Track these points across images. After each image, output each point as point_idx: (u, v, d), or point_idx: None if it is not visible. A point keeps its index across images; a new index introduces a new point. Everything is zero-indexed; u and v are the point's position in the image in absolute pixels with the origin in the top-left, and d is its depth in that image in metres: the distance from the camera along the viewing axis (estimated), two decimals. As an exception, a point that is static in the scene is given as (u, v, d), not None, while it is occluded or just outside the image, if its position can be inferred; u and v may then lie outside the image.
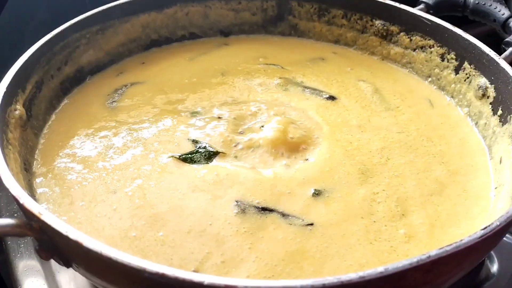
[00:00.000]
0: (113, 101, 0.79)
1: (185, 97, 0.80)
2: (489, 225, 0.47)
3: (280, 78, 0.86)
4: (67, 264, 0.51)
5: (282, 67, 0.89)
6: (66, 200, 0.62)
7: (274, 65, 0.90)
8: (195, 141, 0.70)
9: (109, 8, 0.87)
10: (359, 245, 0.56)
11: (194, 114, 0.76)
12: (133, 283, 0.46)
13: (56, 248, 0.50)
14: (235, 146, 0.70)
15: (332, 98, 0.81)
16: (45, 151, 0.70)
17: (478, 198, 0.67)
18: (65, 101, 0.81)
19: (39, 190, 0.63)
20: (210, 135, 0.71)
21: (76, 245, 0.45)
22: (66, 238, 0.46)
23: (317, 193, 0.63)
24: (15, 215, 0.82)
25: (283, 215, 0.60)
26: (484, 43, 0.80)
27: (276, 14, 0.99)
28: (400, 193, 0.64)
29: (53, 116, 0.77)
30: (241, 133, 0.72)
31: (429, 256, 0.44)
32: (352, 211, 0.61)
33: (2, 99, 0.64)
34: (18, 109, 0.68)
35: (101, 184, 0.63)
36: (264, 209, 0.60)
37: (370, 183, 0.65)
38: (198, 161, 0.67)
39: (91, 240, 0.45)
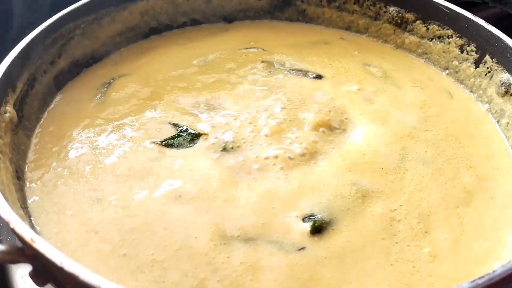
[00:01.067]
0: (100, 96, 0.74)
1: (166, 91, 0.75)
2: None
3: (262, 62, 0.80)
4: (63, 290, 0.48)
5: (267, 50, 0.83)
6: (55, 209, 0.58)
7: (263, 49, 0.84)
8: (175, 125, 0.68)
9: (104, -6, 0.81)
10: (379, 268, 0.52)
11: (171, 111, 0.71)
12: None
13: (51, 275, 0.46)
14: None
15: (319, 77, 0.76)
16: (36, 154, 0.66)
17: (505, 207, 0.63)
18: (58, 96, 0.76)
19: (30, 200, 0.60)
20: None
21: (72, 278, 0.41)
22: (61, 269, 0.42)
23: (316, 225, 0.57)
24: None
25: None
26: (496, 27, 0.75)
27: (283, -1, 0.93)
28: (423, 208, 0.60)
29: (46, 114, 0.72)
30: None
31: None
32: (369, 233, 0.57)
33: (-10, 102, 0.59)
34: (8, 111, 0.63)
35: (86, 190, 0.60)
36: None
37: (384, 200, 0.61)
38: (181, 145, 0.65)
39: (88, 273, 0.41)
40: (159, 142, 0.66)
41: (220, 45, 0.86)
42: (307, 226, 0.56)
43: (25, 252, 0.45)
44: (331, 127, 0.69)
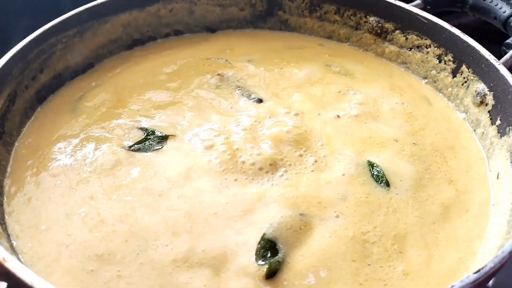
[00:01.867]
0: (74, 108, 0.76)
1: (132, 98, 0.77)
2: (482, 268, 0.45)
3: (218, 75, 0.81)
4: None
5: (231, 63, 0.84)
6: (30, 223, 0.60)
7: (226, 60, 0.85)
8: (142, 129, 0.71)
9: (87, 9, 0.82)
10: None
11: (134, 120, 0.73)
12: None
13: (24, 293, 0.47)
14: None
15: (260, 101, 0.76)
16: (13, 168, 0.67)
17: (478, 218, 0.64)
18: (39, 108, 0.77)
19: (7, 215, 0.61)
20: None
21: (43, 297, 0.42)
22: (31, 288, 0.43)
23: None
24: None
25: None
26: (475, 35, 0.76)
27: (265, 9, 0.94)
28: (399, 229, 0.61)
29: (26, 127, 0.73)
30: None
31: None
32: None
33: (-31, 121, 0.60)
34: (-12, 128, 0.64)
35: (57, 204, 0.61)
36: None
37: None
38: (150, 148, 0.68)
39: (58, 292, 0.42)
40: (128, 148, 0.68)
41: (194, 53, 0.87)
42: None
43: (0, 270, 0.46)
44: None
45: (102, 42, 0.86)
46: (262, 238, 0.57)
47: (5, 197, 0.63)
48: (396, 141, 0.71)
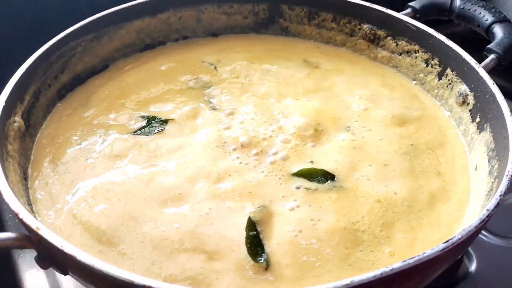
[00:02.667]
0: (86, 102, 0.84)
1: (134, 92, 0.86)
2: (450, 239, 0.51)
3: (196, 78, 0.89)
4: (64, 272, 0.56)
5: (218, 70, 0.92)
6: (48, 204, 0.68)
7: (212, 64, 0.93)
8: (144, 117, 0.80)
9: (104, 16, 0.90)
10: (337, 268, 0.60)
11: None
12: (122, 291, 0.50)
13: (53, 258, 0.54)
14: None
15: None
16: (36, 156, 0.75)
17: (458, 204, 0.70)
18: (58, 104, 0.85)
19: (31, 197, 0.69)
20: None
21: (71, 258, 0.49)
22: (61, 251, 0.50)
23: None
24: (18, 216, 0.86)
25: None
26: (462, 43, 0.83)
27: (267, 17, 1.02)
28: (388, 217, 0.67)
29: (47, 119, 0.81)
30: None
31: (392, 269, 0.48)
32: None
33: (1, 113, 0.68)
34: (17, 121, 0.72)
35: (68, 187, 0.69)
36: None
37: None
38: (152, 131, 0.77)
39: (84, 254, 0.49)
40: (133, 133, 0.77)
41: (195, 55, 0.96)
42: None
43: (31, 239, 0.53)
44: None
45: (117, 46, 0.94)
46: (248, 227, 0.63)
47: (29, 181, 0.71)
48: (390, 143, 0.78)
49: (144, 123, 0.79)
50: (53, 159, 0.74)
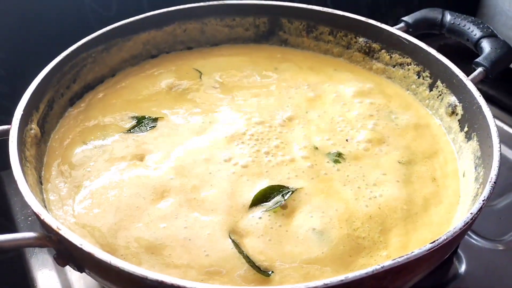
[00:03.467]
0: (89, 104, 0.91)
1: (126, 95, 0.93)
2: (436, 240, 0.56)
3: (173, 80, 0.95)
4: (80, 269, 0.60)
5: (203, 74, 0.98)
6: (58, 204, 0.72)
7: (198, 71, 0.99)
8: (134, 117, 0.86)
9: (113, 28, 0.94)
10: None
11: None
12: (136, 287, 0.55)
13: (71, 256, 0.59)
14: None
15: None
16: (47, 159, 0.79)
17: (449, 207, 0.75)
18: (69, 109, 0.90)
19: (45, 196, 0.73)
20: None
21: (89, 256, 0.54)
22: (80, 250, 0.54)
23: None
24: (29, 218, 0.91)
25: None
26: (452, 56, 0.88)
27: (267, 30, 1.07)
28: (387, 224, 0.71)
29: (59, 123, 0.86)
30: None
31: (383, 267, 0.52)
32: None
33: (20, 121, 0.72)
34: (34, 128, 0.76)
35: (73, 185, 0.74)
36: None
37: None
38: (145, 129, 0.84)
39: (102, 252, 0.53)
40: (127, 131, 0.83)
41: (191, 63, 1.01)
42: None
43: (52, 238, 0.58)
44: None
45: (125, 57, 0.98)
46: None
47: (43, 184, 0.75)
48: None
49: (135, 122, 0.85)
50: (61, 162, 0.78)
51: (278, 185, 0.73)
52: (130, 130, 0.83)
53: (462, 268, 0.85)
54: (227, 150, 0.79)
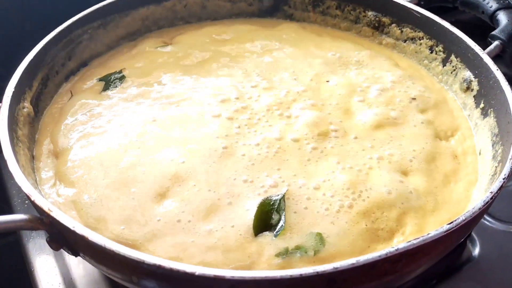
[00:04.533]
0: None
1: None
2: (454, 220, 0.52)
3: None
4: (75, 253, 0.57)
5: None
6: (51, 183, 0.69)
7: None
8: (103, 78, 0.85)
9: (110, 3, 0.90)
10: None
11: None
12: (133, 271, 0.51)
13: (65, 240, 0.56)
14: None
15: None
16: (39, 137, 0.75)
17: (467, 185, 0.71)
18: (64, 85, 0.86)
19: (40, 175, 0.70)
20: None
21: (82, 239, 0.50)
22: (73, 232, 0.51)
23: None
24: (26, 201, 0.88)
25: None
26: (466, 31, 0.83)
27: (272, 5, 1.02)
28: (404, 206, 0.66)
29: (52, 100, 0.82)
30: None
31: (397, 249, 0.49)
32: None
33: (11, 99, 0.68)
34: (26, 107, 0.73)
35: (61, 164, 0.70)
36: None
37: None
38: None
39: (95, 235, 0.50)
40: (101, 92, 0.81)
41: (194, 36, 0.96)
42: None
43: (43, 221, 0.54)
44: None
45: (122, 33, 0.94)
46: None
47: (34, 162, 0.72)
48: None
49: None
50: (51, 139, 0.75)
51: (266, 202, 0.63)
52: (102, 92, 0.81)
53: (476, 251, 0.82)
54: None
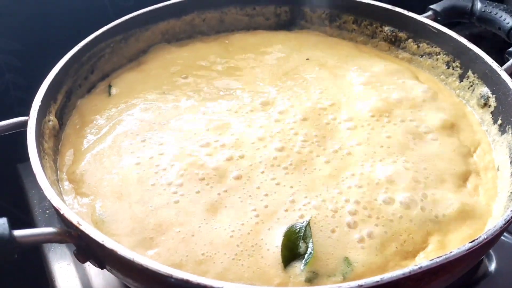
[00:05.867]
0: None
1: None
2: (476, 239, 0.53)
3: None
4: (101, 266, 0.58)
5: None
6: (73, 194, 0.70)
7: None
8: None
9: (131, 18, 0.92)
10: None
11: None
12: (160, 285, 0.52)
13: (92, 253, 0.57)
14: None
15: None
16: (61, 149, 0.76)
17: (490, 199, 0.71)
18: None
19: (63, 186, 0.71)
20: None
21: (111, 253, 0.52)
22: (102, 246, 0.52)
23: None
24: (47, 211, 0.89)
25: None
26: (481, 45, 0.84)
27: (289, 19, 1.04)
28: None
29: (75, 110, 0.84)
30: None
31: (421, 267, 0.49)
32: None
33: (38, 112, 0.70)
34: (52, 120, 0.74)
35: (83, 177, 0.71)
36: None
37: None
38: None
39: (125, 249, 0.51)
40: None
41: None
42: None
43: (72, 234, 0.56)
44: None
45: (143, 47, 0.96)
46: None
47: (58, 173, 0.73)
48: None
49: None
50: (75, 151, 0.76)
51: (292, 231, 0.62)
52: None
53: (492, 266, 0.82)
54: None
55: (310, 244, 0.59)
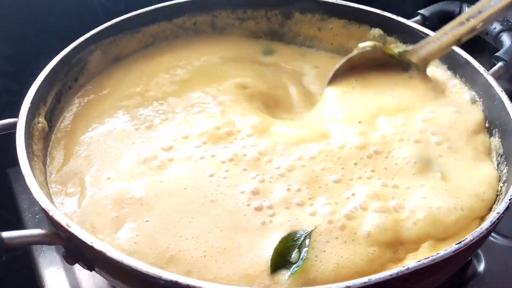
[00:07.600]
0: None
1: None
2: (462, 240, 0.53)
3: None
4: (90, 268, 0.58)
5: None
6: (62, 196, 0.69)
7: None
8: None
9: (122, 20, 0.92)
10: None
11: None
12: (149, 287, 0.52)
13: (81, 254, 0.57)
14: None
15: None
16: (51, 151, 0.76)
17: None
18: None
19: (52, 188, 0.70)
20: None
21: (100, 254, 0.52)
22: (91, 248, 0.52)
23: None
24: (37, 216, 0.89)
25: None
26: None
27: (279, 23, 1.04)
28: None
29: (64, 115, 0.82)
30: None
31: (408, 268, 0.50)
32: None
33: (27, 114, 0.70)
34: (41, 122, 0.74)
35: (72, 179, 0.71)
36: None
37: None
38: None
39: (114, 250, 0.51)
40: None
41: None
42: None
43: (60, 235, 0.55)
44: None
45: (134, 48, 0.96)
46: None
47: (47, 175, 0.72)
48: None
49: None
50: (64, 153, 0.75)
51: (290, 235, 0.58)
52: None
53: (481, 267, 0.83)
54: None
55: (304, 254, 0.56)
